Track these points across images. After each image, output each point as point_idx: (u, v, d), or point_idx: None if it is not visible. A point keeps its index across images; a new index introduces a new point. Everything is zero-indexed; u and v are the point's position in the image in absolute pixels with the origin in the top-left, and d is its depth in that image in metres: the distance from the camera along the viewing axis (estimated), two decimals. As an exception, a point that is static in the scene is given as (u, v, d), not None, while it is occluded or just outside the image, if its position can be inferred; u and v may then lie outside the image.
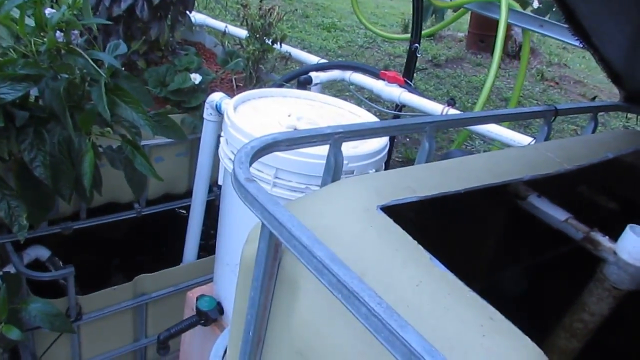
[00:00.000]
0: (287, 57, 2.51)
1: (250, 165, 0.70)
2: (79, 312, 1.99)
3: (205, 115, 2.06)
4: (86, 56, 1.29)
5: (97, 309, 2.06)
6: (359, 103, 2.98)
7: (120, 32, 2.21)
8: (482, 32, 7.24)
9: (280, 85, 2.40)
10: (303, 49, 7.06)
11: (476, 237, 1.14)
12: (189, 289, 2.01)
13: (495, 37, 2.31)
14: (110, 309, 2.08)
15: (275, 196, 1.02)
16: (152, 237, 2.62)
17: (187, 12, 2.37)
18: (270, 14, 2.34)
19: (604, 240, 1.03)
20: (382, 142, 1.59)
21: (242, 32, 2.73)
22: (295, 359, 0.64)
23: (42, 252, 2.07)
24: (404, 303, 0.55)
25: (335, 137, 0.83)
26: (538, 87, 6.86)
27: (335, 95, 2.02)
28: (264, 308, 0.69)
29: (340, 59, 6.54)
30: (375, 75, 2.29)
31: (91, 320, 2.05)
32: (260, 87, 2.56)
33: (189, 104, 2.23)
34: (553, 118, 1.24)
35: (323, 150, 0.93)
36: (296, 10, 8.36)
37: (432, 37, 7.86)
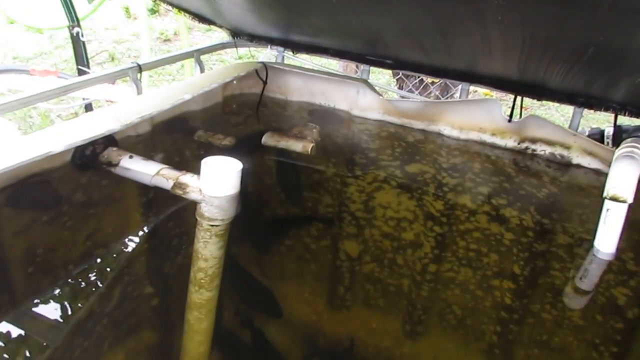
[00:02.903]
0: None
1: None
2: None
3: None
4: None
5: None
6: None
7: None
8: (204, -3, 7.20)
9: None
10: (14, 59, 6.17)
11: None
12: None
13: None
14: None
15: None
16: None
17: None
18: None
19: (192, 180, 1.03)
20: None
21: None
22: None
23: None
24: None
25: None
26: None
27: None
28: None
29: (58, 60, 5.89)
30: (27, 73, 2.04)
31: None
32: None
33: None
34: (139, 74, 1.22)
35: None
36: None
37: (156, 14, 7.57)
